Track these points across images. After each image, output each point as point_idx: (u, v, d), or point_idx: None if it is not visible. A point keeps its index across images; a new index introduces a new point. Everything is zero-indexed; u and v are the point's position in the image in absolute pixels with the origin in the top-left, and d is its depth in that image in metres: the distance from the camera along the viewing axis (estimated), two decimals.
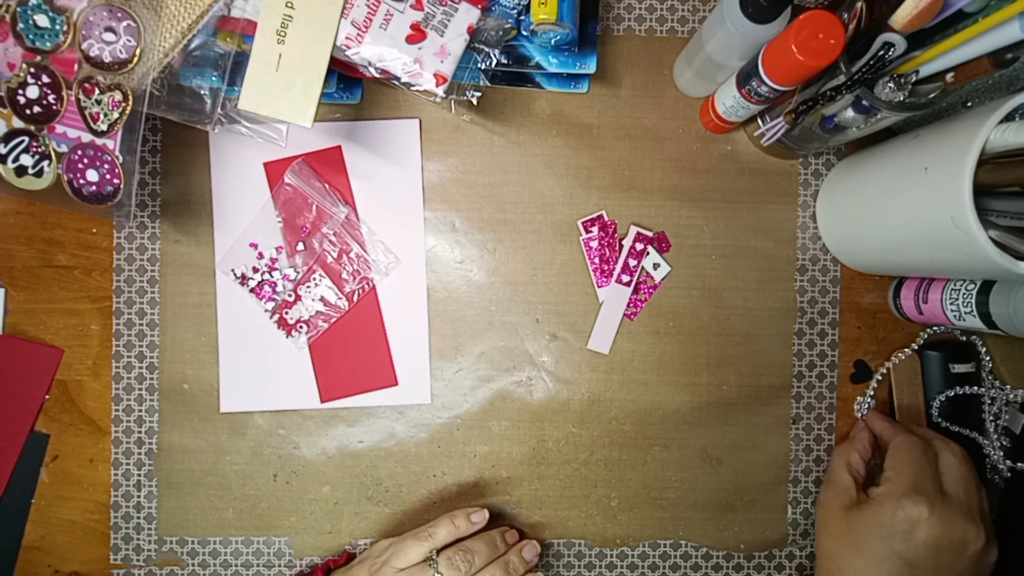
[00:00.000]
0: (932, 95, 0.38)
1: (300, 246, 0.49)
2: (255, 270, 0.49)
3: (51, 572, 0.50)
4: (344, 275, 0.49)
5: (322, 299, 0.49)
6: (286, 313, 0.49)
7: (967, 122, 0.36)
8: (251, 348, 0.50)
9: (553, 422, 0.51)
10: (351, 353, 0.50)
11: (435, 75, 0.41)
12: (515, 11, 0.42)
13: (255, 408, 0.50)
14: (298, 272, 0.49)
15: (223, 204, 0.50)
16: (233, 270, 0.49)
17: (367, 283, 0.49)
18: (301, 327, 0.50)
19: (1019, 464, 0.48)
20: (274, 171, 0.49)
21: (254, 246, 0.49)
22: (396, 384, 0.50)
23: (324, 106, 0.49)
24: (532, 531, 0.51)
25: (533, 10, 0.40)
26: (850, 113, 0.39)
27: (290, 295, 0.49)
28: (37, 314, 0.50)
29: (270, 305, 0.49)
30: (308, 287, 0.49)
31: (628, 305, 0.50)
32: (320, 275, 0.49)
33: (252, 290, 0.49)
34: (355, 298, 0.49)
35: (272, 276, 0.49)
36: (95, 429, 0.50)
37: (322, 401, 0.50)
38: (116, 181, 0.41)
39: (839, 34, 0.34)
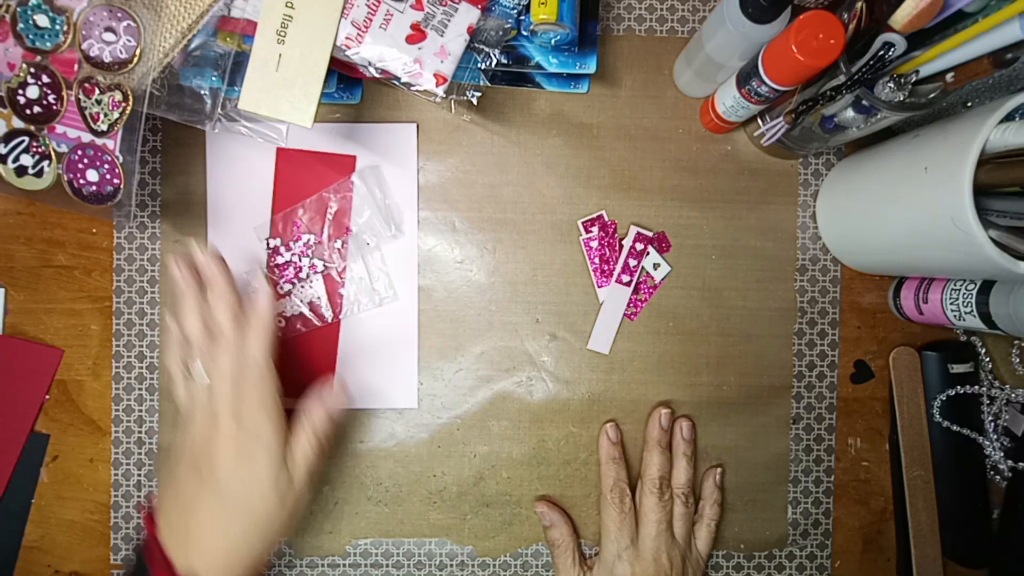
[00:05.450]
0: (932, 95, 0.38)
1: (338, 243, 0.49)
2: (288, 248, 0.49)
3: (51, 572, 0.50)
4: (340, 290, 0.49)
5: (310, 304, 0.49)
6: None
7: (967, 122, 0.36)
8: None
9: (553, 422, 0.51)
10: (302, 362, 0.49)
11: (435, 75, 0.41)
12: (515, 11, 0.42)
13: None
14: (327, 267, 0.49)
15: (217, 202, 0.49)
16: (268, 240, 0.49)
17: (356, 307, 0.49)
18: (280, 321, 0.49)
19: (1020, 464, 0.48)
20: (285, 158, 0.49)
21: (296, 225, 0.49)
22: None
23: (324, 106, 0.49)
24: (532, 530, 0.51)
25: (533, 10, 0.40)
26: (850, 113, 0.39)
27: (287, 287, 0.49)
28: (37, 314, 0.50)
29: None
30: (303, 287, 0.49)
31: (628, 305, 0.50)
32: (319, 281, 0.49)
33: (277, 266, 0.49)
34: (339, 315, 0.49)
35: (301, 261, 0.49)
36: (95, 429, 0.50)
37: None
38: (116, 181, 0.41)
39: (839, 34, 0.34)
